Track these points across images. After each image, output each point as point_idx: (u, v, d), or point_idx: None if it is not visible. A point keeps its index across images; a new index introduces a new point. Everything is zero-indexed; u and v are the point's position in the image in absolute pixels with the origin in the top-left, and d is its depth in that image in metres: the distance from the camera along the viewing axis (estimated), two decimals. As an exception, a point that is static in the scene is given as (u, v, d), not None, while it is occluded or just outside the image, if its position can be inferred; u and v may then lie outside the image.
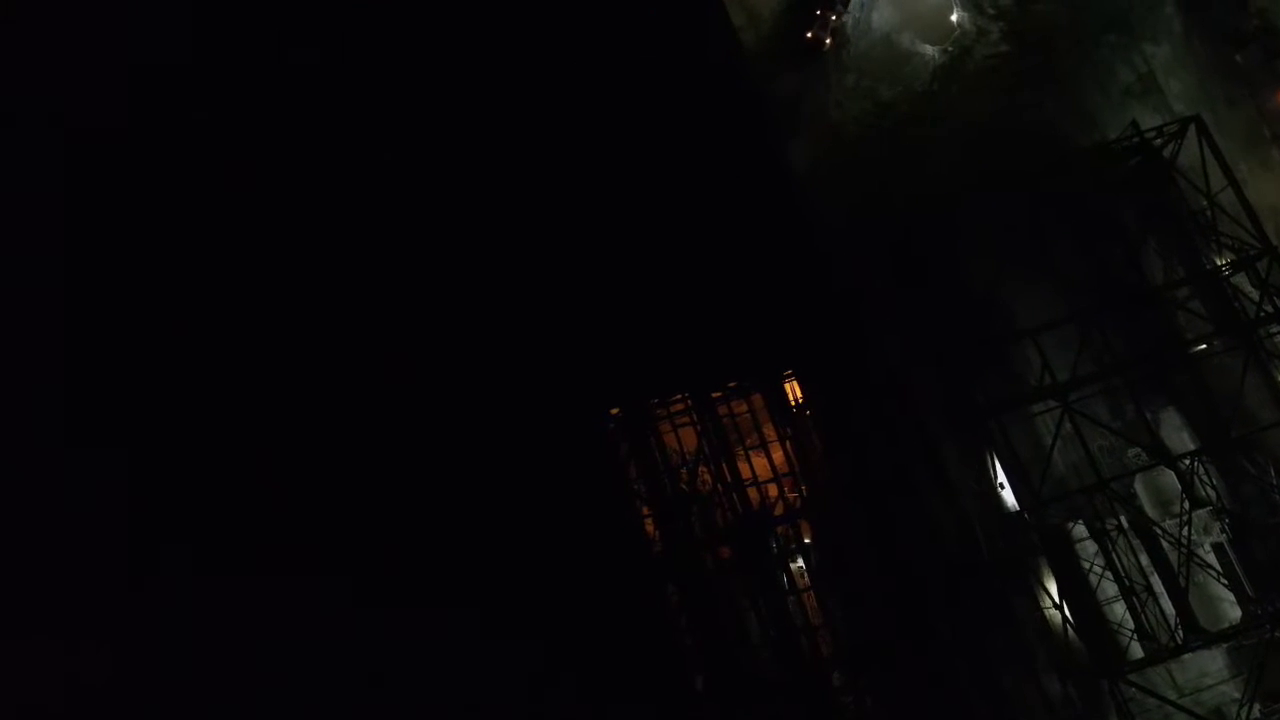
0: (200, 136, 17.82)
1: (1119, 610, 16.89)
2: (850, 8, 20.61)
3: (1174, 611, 16.68)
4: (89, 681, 15.05)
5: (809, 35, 20.25)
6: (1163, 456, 17.34)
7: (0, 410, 16.03)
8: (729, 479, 17.40)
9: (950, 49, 20.54)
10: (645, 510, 17.64)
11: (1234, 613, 16.66)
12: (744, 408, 18.38)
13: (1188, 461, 17.27)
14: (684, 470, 17.85)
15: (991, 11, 20.42)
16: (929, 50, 20.73)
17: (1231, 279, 18.10)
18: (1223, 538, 17.23)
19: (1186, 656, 16.64)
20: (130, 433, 16.45)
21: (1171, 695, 16.67)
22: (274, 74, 18.22)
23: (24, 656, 15.07)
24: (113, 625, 15.35)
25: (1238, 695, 16.66)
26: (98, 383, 16.60)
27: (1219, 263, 18.22)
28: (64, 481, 15.89)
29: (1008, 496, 17.92)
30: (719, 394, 18.10)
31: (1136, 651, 16.59)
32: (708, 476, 17.85)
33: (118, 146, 17.50)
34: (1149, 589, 16.96)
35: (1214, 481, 17.62)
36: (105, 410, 16.51)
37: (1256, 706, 16.37)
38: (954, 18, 20.63)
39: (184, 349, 16.92)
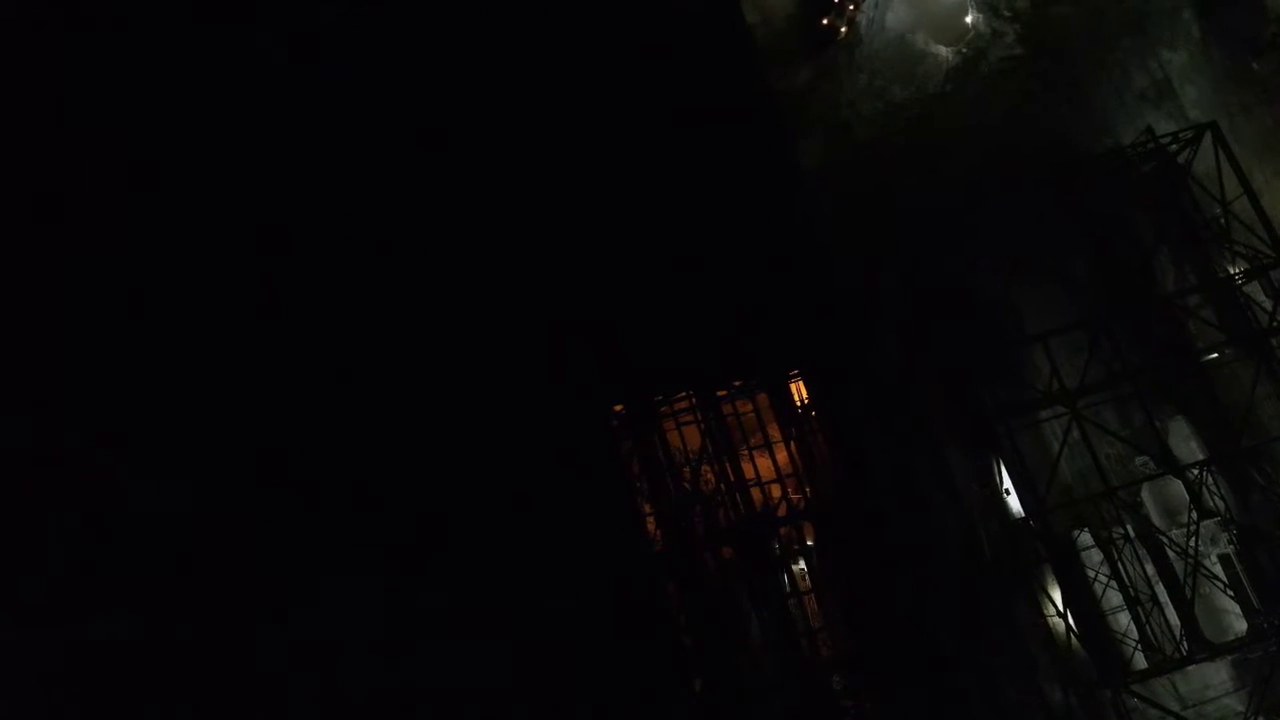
0: (210, 137, 17.72)
1: (1123, 620, 16.75)
2: (864, 6, 20.48)
3: (1179, 622, 16.51)
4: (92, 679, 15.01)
5: (825, 21, 20.19)
6: (1171, 465, 17.16)
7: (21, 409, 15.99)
8: (732, 479, 17.27)
9: (964, 50, 20.38)
10: (647, 508, 17.50)
11: (1240, 625, 16.50)
12: (749, 407, 18.23)
13: (1196, 471, 17.12)
14: (687, 469, 17.71)
15: (1007, 14, 20.24)
16: (943, 51, 20.57)
17: (1244, 288, 17.93)
18: (1230, 549, 17.07)
19: (1190, 668, 16.49)
20: (134, 430, 16.37)
21: (1174, 707, 16.50)
22: (289, 72, 18.09)
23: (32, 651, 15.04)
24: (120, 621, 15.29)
25: (1241, 709, 16.48)
26: (100, 382, 16.53)
27: (1232, 271, 18.05)
28: (71, 481, 15.83)
29: (1013, 503, 17.77)
30: (724, 392, 17.94)
31: (1140, 662, 16.44)
32: (711, 476, 17.71)
33: (120, 147, 17.41)
34: (1154, 599, 16.81)
35: (1222, 492, 17.46)
36: (108, 409, 16.42)
37: (1261, 720, 16.24)
38: (969, 19, 20.46)
39: (191, 348, 16.81)
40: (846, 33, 20.26)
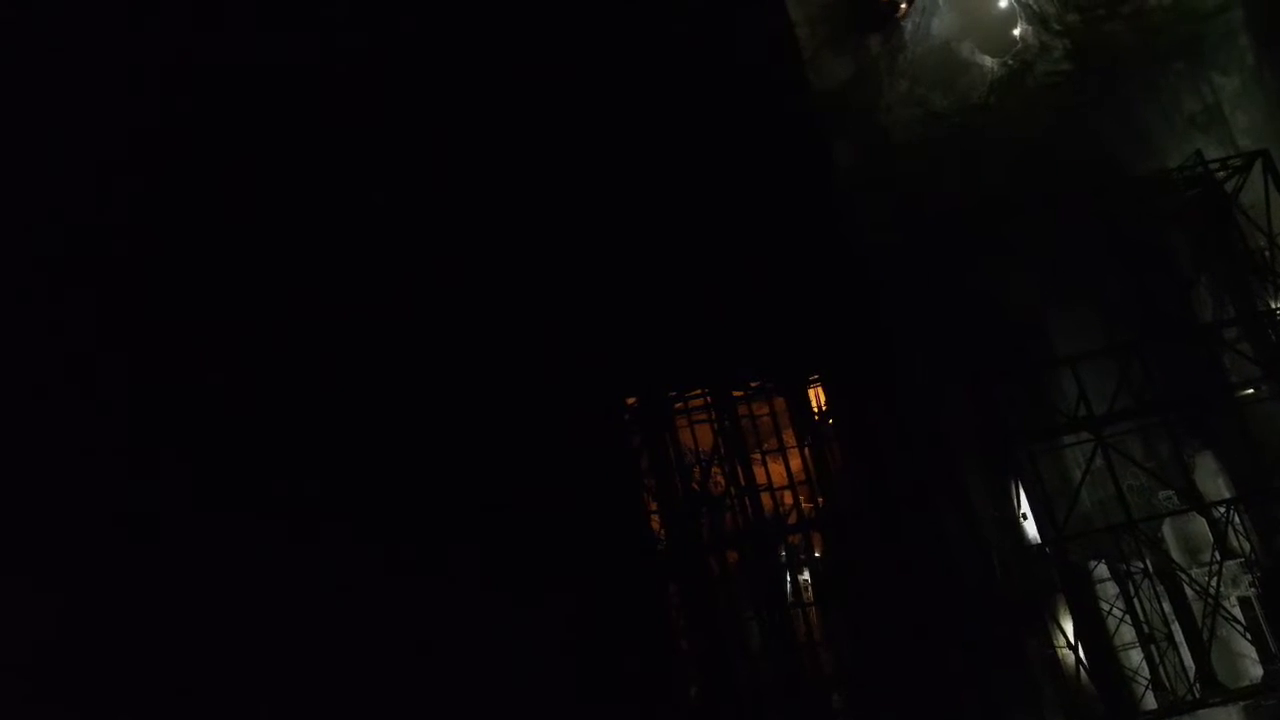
0: (211, 136, 17.46)
1: (1135, 657, 16.31)
2: (911, 10, 20.06)
3: (1193, 664, 16.03)
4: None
5: None
6: (1195, 502, 16.64)
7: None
8: (743, 482, 16.84)
9: (1010, 62, 19.92)
10: (653, 506, 17.10)
11: (1255, 671, 15.98)
12: (765, 410, 17.81)
13: (1222, 509, 16.58)
14: (697, 469, 17.30)
15: (1057, 27, 19.74)
16: (988, 62, 20.11)
17: (1285, 323, 17.40)
18: (1251, 592, 16.53)
19: (1201, 712, 15.97)
20: (135, 430, 16.20)
21: (1181, 750, 16.04)
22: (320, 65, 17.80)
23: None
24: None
25: (1251, 757, 16.01)
26: (104, 380, 16.35)
27: (1273, 305, 17.51)
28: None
29: (1029, 528, 17.30)
30: (740, 393, 17.52)
31: (1150, 702, 15.99)
32: (721, 478, 17.30)
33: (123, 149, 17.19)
34: (1169, 638, 16.32)
35: (1247, 532, 16.90)
36: (110, 407, 16.25)
37: (1270, 770, 15.72)
38: (1017, 31, 20.00)
39: (200, 347, 16.59)
40: (906, 8, 19.67)
